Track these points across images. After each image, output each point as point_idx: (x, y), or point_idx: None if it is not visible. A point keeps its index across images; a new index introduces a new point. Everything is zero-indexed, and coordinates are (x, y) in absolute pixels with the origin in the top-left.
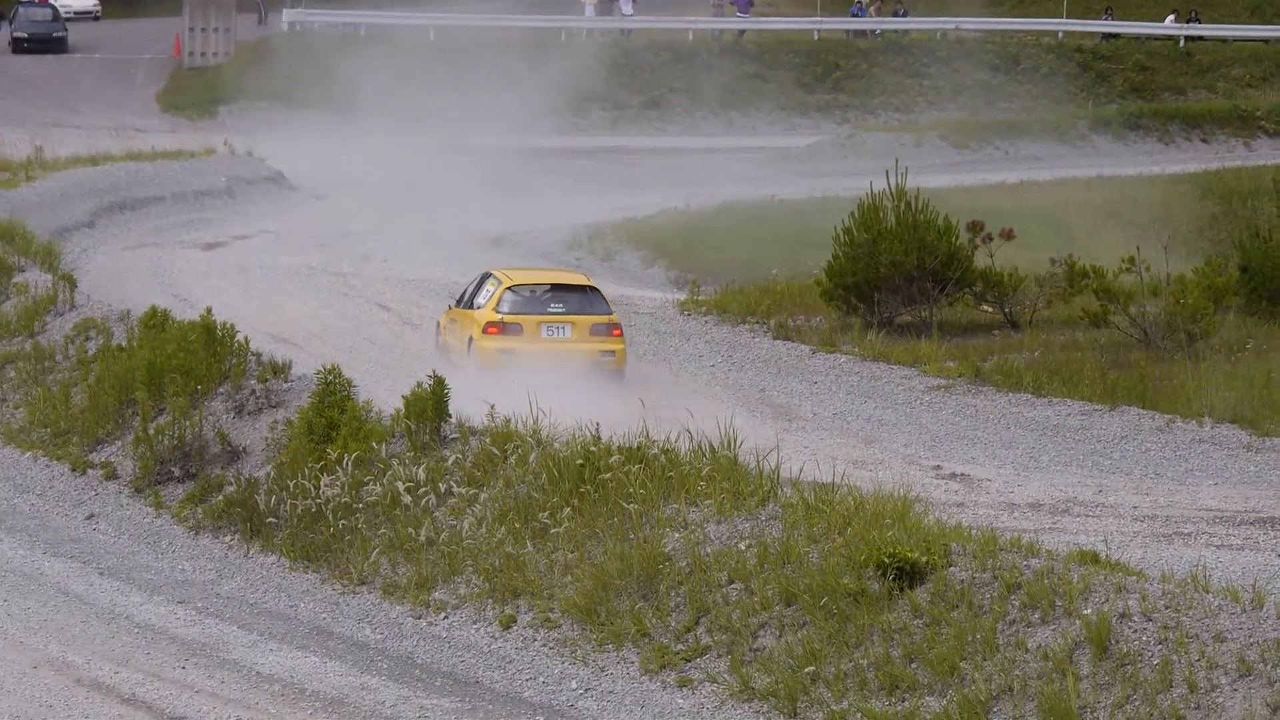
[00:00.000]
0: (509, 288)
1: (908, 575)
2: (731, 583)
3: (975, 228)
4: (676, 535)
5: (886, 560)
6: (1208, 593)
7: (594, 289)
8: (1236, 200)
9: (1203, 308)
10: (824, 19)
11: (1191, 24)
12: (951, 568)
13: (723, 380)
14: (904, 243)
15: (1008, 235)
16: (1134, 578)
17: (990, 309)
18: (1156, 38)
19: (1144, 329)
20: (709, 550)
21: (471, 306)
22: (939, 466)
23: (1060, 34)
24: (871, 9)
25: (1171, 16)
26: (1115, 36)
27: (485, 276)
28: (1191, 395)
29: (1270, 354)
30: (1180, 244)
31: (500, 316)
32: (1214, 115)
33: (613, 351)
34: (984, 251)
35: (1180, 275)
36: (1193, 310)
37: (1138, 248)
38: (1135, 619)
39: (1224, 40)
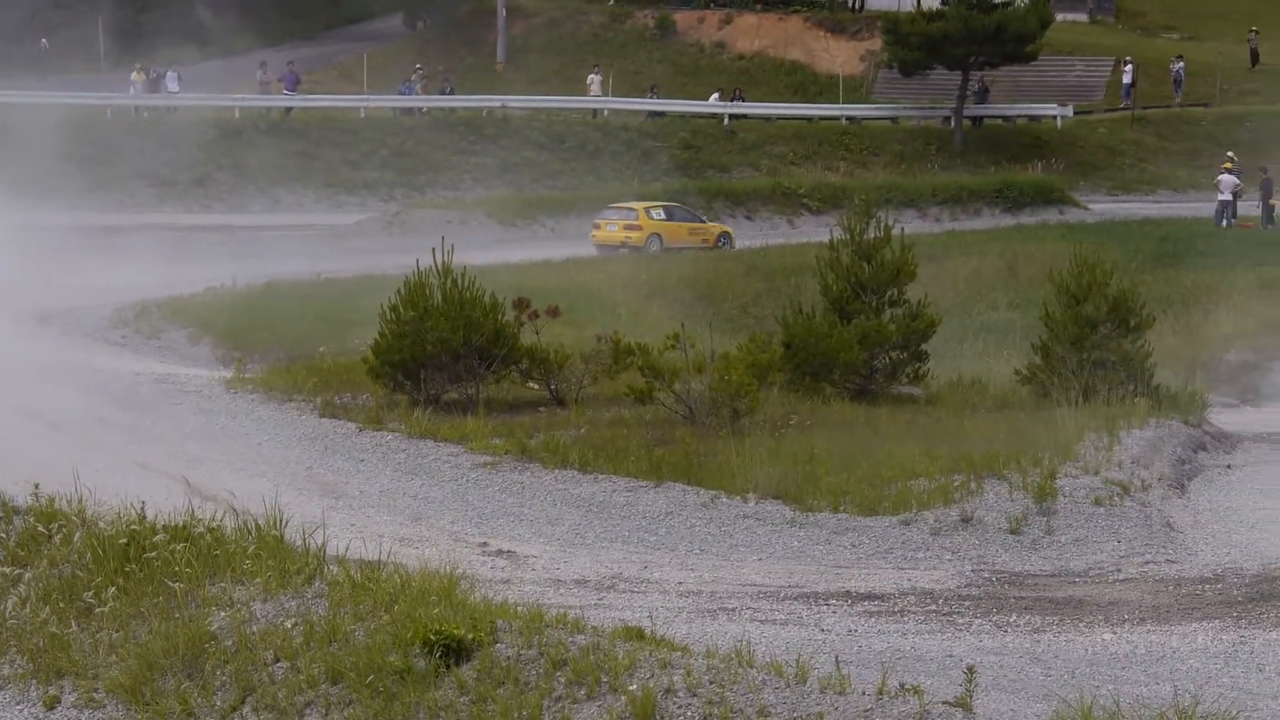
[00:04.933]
0: None
1: (454, 652)
2: (278, 661)
3: (521, 305)
4: (222, 614)
5: (432, 638)
6: (752, 667)
7: None
8: (780, 277)
9: (747, 384)
10: (371, 96)
11: (735, 102)
12: (498, 644)
13: (269, 458)
14: (450, 320)
15: (554, 312)
16: (679, 653)
17: (536, 386)
18: (701, 116)
19: (689, 406)
20: (255, 629)
21: None
22: (485, 543)
23: (606, 112)
24: (419, 86)
25: (716, 95)
26: (660, 115)
27: None
28: (736, 471)
29: (813, 430)
30: (724, 321)
31: None
32: (758, 192)
33: None
34: (530, 328)
35: (725, 352)
36: (737, 387)
37: (682, 324)
38: (680, 694)
39: (767, 118)
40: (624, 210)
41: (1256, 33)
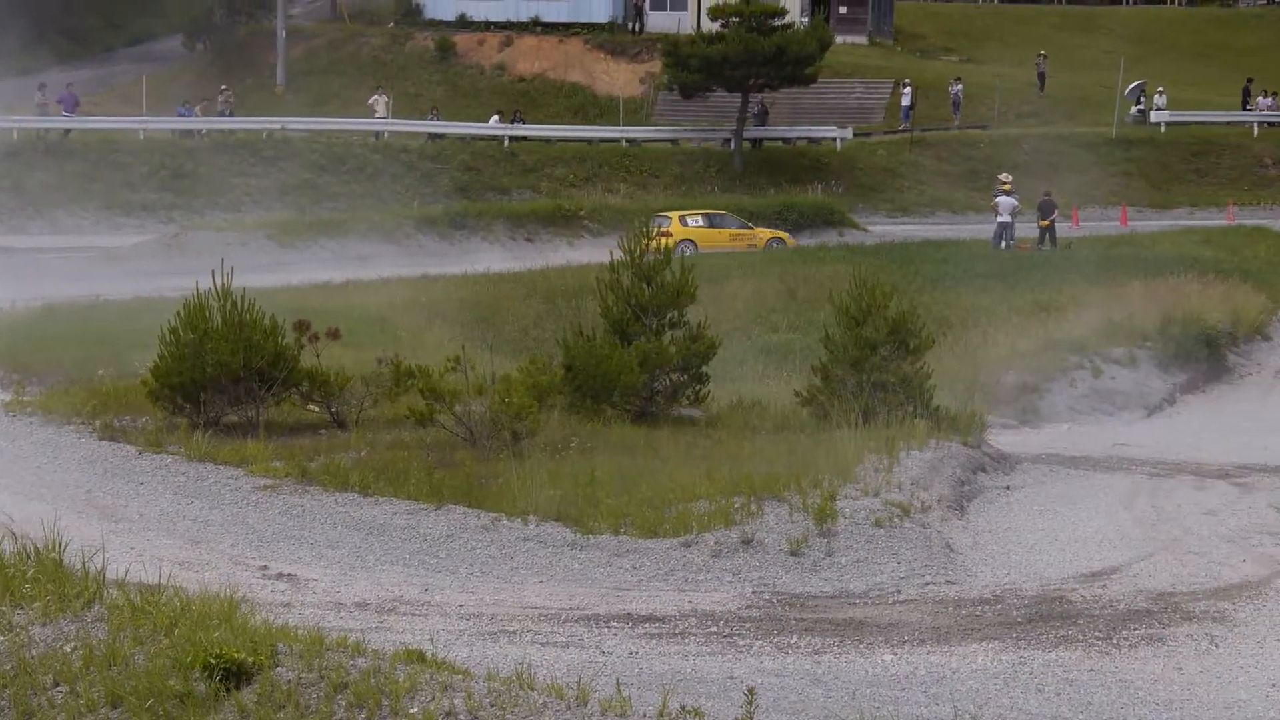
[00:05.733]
0: None
1: (234, 676)
2: (57, 685)
3: (301, 327)
4: (1, 638)
5: (213, 661)
6: (533, 690)
7: None
8: (561, 299)
9: (527, 406)
10: (150, 118)
11: (515, 125)
12: (278, 668)
13: (48, 481)
14: (230, 343)
15: (334, 335)
16: (460, 676)
17: (317, 409)
18: (481, 138)
19: (470, 428)
20: (34, 653)
21: None
22: (266, 567)
23: (386, 134)
24: (198, 109)
25: (496, 117)
26: (441, 137)
27: None
28: (517, 494)
29: (594, 452)
30: (505, 343)
31: None
32: (538, 214)
33: None
34: (310, 351)
35: (506, 374)
36: (517, 409)
37: (463, 346)
38: (461, 717)
39: (547, 140)
40: (663, 218)
41: (1045, 57)
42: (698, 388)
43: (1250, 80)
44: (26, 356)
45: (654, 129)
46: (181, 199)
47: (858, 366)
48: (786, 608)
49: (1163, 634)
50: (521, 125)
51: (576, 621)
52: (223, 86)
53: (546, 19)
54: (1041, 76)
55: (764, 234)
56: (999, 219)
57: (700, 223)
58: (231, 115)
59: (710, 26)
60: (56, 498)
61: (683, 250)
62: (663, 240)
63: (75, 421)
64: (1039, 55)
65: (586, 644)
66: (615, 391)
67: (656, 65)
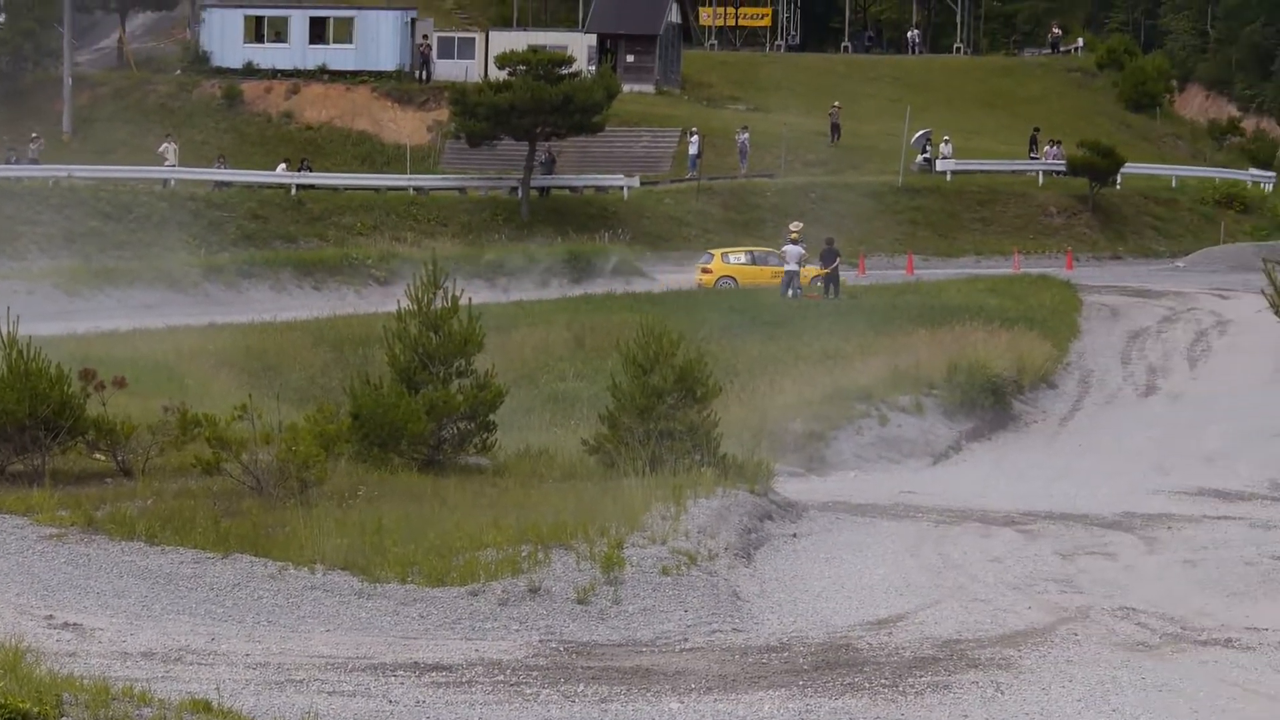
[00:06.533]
0: None
1: None
2: None
3: (87, 375)
4: None
5: None
6: None
7: None
8: (349, 347)
9: (314, 455)
10: None
11: (303, 173)
12: (64, 718)
13: None
14: (15, 391)
15: (120, 383)
16: None
17: (103, 457)
18: (268, 186)
19: (257, 476)
20: None
21: None
22: (51, 616)
23: (172, 182)
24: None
25: (283, 165)
26: (228, 185)
27: None
28: (304, 542)
29: (381, 500)
30: (292, 391)
31: None
32: (326, 263)
33: None
34: (97, 399)
35: (292, 423)
36: (304, 457)
37: (250, 395)
38: None
39: (335, 189)
40: (708, 255)
41: (839, 108)
42: (485, 436)
43: (1037, 129)
44: None
45: (441, 177)
46: None
47: (645, 415)
48: (574, 656)
49: (949, 681)
50: (309, 173)
51: (363, 670)
52: (34, 134)
53: (334, 66)
54: (835, 127)
55: (809, 271)
56: (786, 268)
57: (743, 260)
58: (16, 162)
59: (498, 75)
60: None
61: (723, 285)
62: (705, 277)
63: None
64: (833, 106)
65: (373, 693)
66: (402, 440)
67: (444, 113)
